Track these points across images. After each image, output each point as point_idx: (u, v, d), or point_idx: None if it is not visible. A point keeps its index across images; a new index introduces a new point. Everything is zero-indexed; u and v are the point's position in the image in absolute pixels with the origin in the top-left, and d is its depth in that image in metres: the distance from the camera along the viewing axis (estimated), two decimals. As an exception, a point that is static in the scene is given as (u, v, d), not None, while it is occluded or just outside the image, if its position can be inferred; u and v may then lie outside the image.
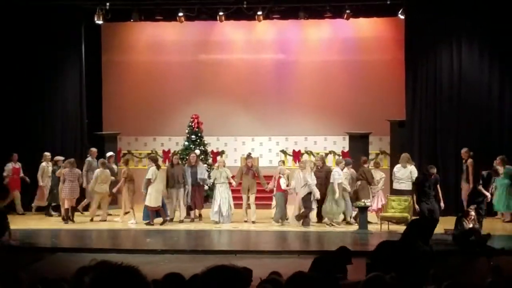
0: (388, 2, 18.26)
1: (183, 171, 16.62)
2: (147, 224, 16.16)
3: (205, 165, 18.26)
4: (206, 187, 17.40)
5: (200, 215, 16.89)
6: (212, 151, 20.71)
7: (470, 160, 16.59)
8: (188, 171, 16.69)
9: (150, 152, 21.22)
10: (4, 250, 12.89)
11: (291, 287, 3.35)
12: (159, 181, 16.19)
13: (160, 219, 16.40)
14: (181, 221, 16.57)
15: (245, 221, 16.45)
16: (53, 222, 16.88)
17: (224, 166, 16.61)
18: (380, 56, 20.89)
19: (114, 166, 17.92)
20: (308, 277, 3.11)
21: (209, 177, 16.99)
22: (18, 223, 16.10)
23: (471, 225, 13.10)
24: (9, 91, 18.54)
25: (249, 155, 17.42)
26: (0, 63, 18.43)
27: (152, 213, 16.26)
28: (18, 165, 18.06)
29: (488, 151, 16.93)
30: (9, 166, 17.92)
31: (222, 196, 16.20)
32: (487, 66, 17.95)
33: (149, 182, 16.08)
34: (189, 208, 16.80)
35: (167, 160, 20.74)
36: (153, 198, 16.07)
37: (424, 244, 12.15)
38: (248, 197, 16.53)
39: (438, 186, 15.49)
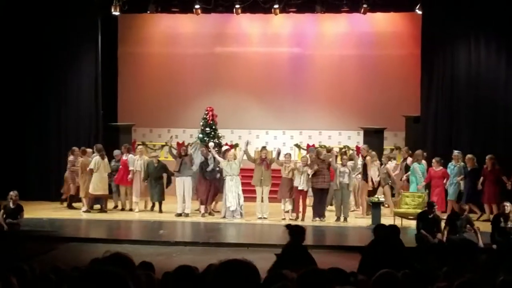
0: (406, -3, 18.18)
1: (190, 159, 16.59)
2: (85, 211, 16.77)
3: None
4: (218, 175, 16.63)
5: (210, 212, 16.56)
6: (226, 143, 20.70)
7: (368, 158, 16.60)
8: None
9: (164, 143, 21.25)
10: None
11: (303, 282, 3.34)
12: (102, 170, 16.62)
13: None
14: (178, 215, 16.33)
15: (259, 218, 16.09)
16: (66, 212, 16.95)
17: (234, 159, 16.26)
18: (396, 51, 20.78)
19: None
20: (320, 273, 3.10)
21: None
22: (32, 212, 16.21)
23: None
24: (25, 81, 18.64)
25: (263, 148, 17.24)
26: (17, 53, 18.51)
27: (91, 200, 16.85)
28: (126, 156, 17.29)
29: (504, 149, 16.80)
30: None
31: (231, 190, 15.94)
32: (505, 62, 17.77)
33: (91, 171, 16.54)
34: (200, 202, 16.69)
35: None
36: (95, 186, 16.55)
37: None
38: (262, 191, 16.25)
39: None
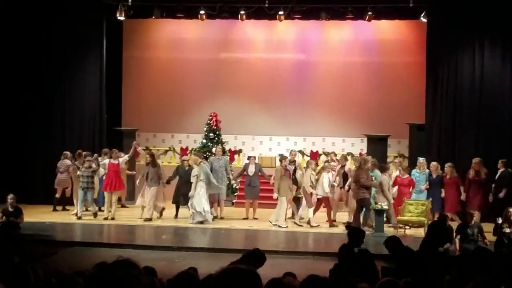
0: (411, 5, 18.17)
1: (157, 171, 16.28)
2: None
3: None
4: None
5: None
6: (230, 149, 20.72)
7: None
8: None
9: (168, 148, 21.30)
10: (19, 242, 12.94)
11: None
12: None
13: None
14: (146, 219, 16.28)
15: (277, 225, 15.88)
16: (68, 216, 16.91)
17: (198, 164, 15.93)
18: (401, 59, 20.79)
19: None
20: (322, 281, 3.09)
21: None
22: (35, 216, 16.22)
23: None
24: (29, 85, 18.68)
25: (283, 156, 16.81)
26: (21, 57, 18.56)
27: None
28: (116, 160, 16.82)
29: (509, 156, 16.75)
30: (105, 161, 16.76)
31: (200, 194, 15.80)
32: (510, 70, 17.75)
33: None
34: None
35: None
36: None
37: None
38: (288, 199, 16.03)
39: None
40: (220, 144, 19.00)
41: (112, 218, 16.39)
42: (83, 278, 5.10)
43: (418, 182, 16.17)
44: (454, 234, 12.44)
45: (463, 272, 9.22)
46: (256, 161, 18.07)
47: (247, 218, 16.76)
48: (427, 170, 16.32)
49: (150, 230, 15.75)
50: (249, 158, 17.62)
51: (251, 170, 16.97)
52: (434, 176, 16.22)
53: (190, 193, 15.73)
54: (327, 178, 15.87)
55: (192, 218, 15.88)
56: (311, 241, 15.19)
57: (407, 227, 15.40)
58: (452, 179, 16.04)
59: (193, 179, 15.78)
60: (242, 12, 18.93)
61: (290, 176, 16.11)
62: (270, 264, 8.42)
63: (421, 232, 14.80)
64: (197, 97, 21.27)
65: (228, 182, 17.18)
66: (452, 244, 12.17)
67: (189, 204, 15.87)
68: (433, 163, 16.44)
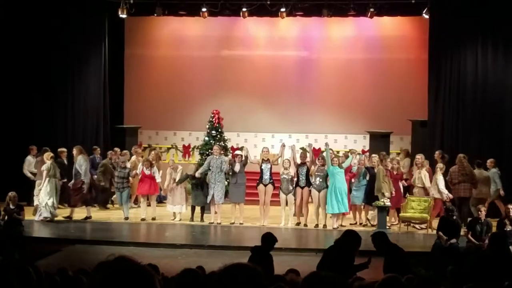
0: (413, 1, 18.17)
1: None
2: None
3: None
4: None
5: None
6: (232, 147, 20.71)
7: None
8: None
9: (170, 146, 21.30)
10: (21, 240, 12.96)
11: (307, 286, 3.32)
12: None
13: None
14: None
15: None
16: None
17: (49, 159, 15.85)
18: (403, 55, 20.76)
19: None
20: (324, 278, 3.09)
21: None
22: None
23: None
24: (32, 83, 18.71)
25: (384, 156, 16.41)
26: (24, 55, 18.58)
27: None
28: (149, 171, 16.47)
29: (510, 154, 16.76)
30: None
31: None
32: (512, 67, 17.77)
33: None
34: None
35: (186, 155, 20.90)
36: None
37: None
38: None
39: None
40: (222, 142, 18.99)
41: (153, 218, 16.30)
42: (87, 276, 5.12)
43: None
44: (467, 230, 12.40)
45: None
46: (259, 158, 17.81)
47: (234, 223, 16.01)
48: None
49: (153, 228, 15.77)
50: (235, 156, 16.63)
51: (237, 168, 15.97)
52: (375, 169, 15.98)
53: (39, 188, 15.77)
54: (441, 178, 15.44)
55: (39, 214, 15.66)
56: (314, 238, 15.19)
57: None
58: (392, 175, 15.61)
59: (43, 174, 15.70)
60: (244, 9, 18.95)
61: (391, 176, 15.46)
62: (274, 261, 8.45)
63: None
64: (199, 94, 21.27)
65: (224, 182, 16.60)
66: (458, 239, 12.14)
67: (39, 200, 15.75)
68: (374, 156, 16.31)
